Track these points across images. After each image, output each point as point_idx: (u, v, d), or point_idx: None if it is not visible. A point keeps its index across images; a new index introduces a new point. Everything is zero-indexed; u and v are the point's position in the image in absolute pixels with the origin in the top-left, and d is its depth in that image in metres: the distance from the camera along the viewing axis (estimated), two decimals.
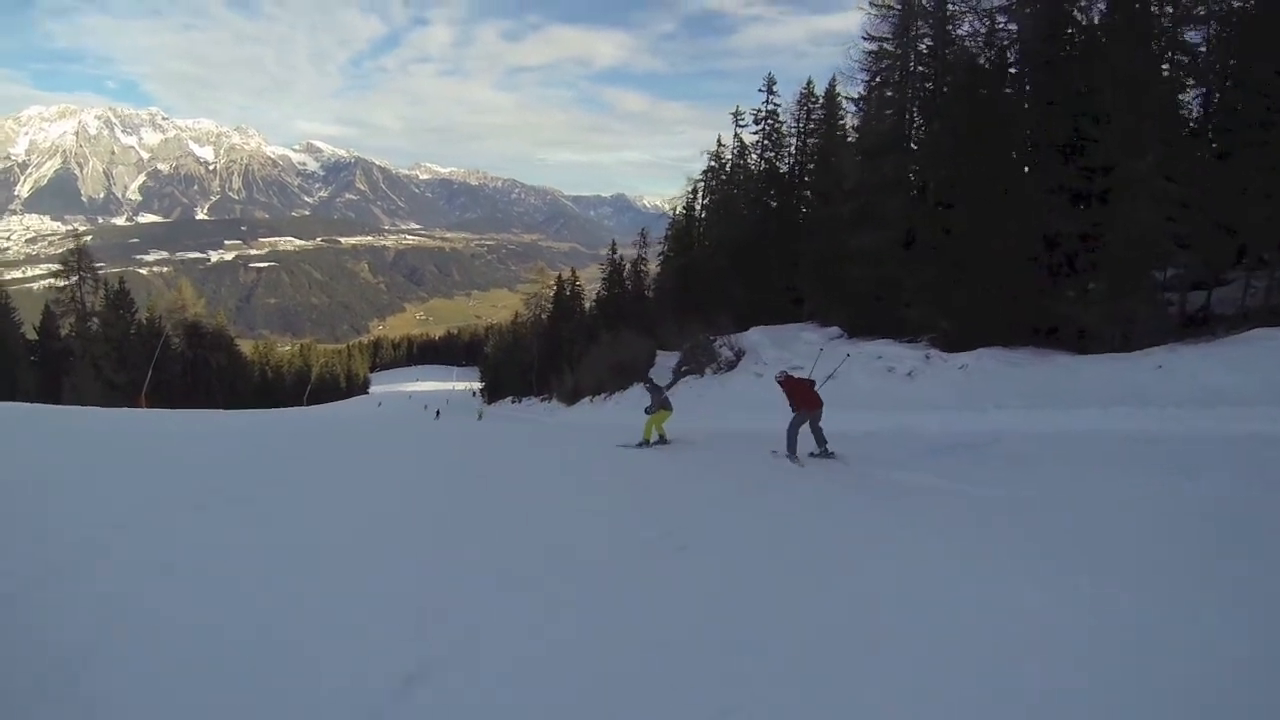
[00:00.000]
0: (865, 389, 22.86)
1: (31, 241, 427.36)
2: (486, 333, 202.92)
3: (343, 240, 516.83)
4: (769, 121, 49.05)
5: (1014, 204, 22.69)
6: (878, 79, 32.72)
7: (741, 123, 50.55)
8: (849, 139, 39.89)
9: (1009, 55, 26.43)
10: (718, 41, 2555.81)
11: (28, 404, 35.29)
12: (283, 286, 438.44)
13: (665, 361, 41.59)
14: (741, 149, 51.46)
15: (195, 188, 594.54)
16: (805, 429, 14.90)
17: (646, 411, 18.55)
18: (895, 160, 29.62)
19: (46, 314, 64.11)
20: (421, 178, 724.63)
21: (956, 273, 23.58)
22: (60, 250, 64.77)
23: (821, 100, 46.17)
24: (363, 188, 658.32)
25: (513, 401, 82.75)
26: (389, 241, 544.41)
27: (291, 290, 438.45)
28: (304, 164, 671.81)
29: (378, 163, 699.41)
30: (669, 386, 30.51)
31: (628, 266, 69.46)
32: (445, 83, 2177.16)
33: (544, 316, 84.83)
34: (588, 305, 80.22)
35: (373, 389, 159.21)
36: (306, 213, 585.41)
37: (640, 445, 18.13)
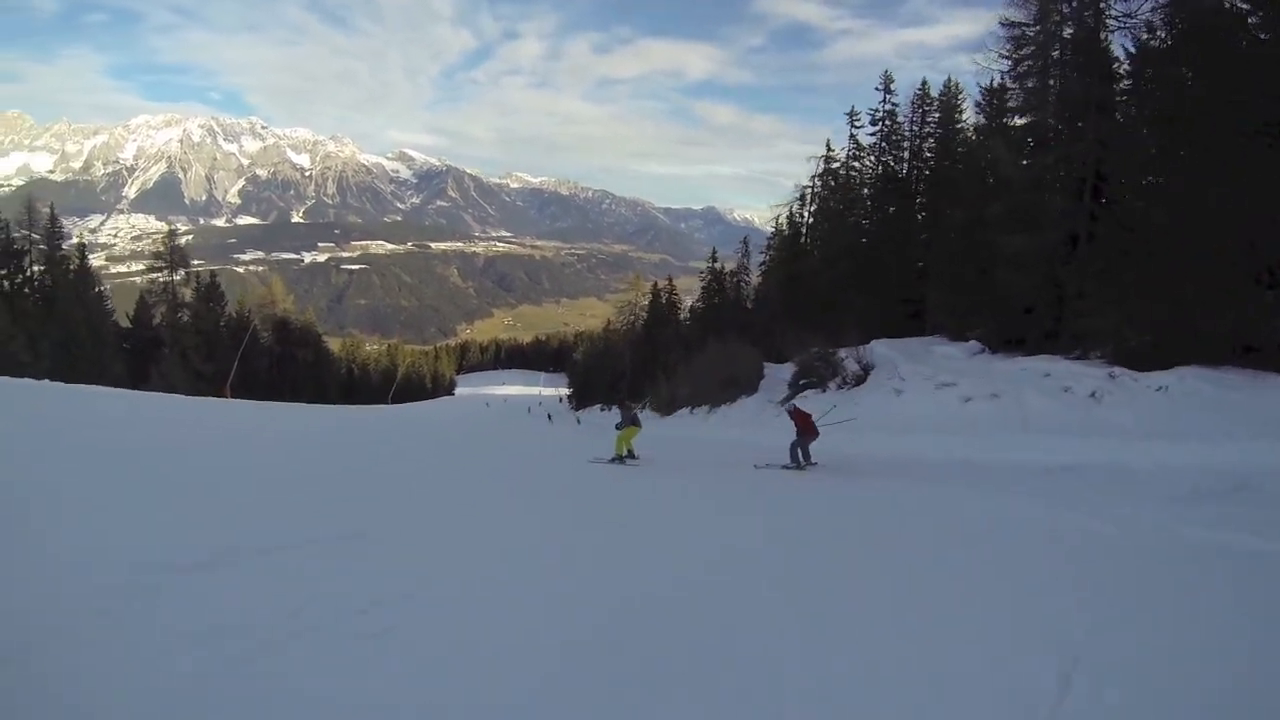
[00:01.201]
0: (1038, 411, 19.70)
1: (136, 239, 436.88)
2: (575, 339, 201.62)
3: (433, 245, 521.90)
4: (886, 122, 46.12)
5: (1236, 195, 18.82)
6: (1022, 67, 29.35)
7: (857, 123, 47.66)
8: (980, 136, 36.27)
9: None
10: (806, 55, 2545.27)
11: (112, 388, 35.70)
12: (373, 288, 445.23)
13: (776, 374, 38.95)
14: (856, 150, 48.40)
15: (291, 193, 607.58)
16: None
17: (616, 428, 19.17)
18: (1059, 153, 26.19)
19: (140, 304, 63.85)
20: (512, 186, 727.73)
21: (1153, 279, 20.01)
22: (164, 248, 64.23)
23: (937, 102, 43.81)
24: (454, 195, 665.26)
25: (602, 409, 79.95)
26: (479, 248, 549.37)
27: (381, 292, 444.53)
28: (396, 171, 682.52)
29: (469, 171, 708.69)
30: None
31: (729, 276, 66.92)
32: (536, 94, 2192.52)
33: (638, 325, 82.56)
34: (683, 315, 78.16)
35: (458, 391, 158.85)
36: (398, 218, 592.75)
37: (612, 461, 18.71)
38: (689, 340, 63.51)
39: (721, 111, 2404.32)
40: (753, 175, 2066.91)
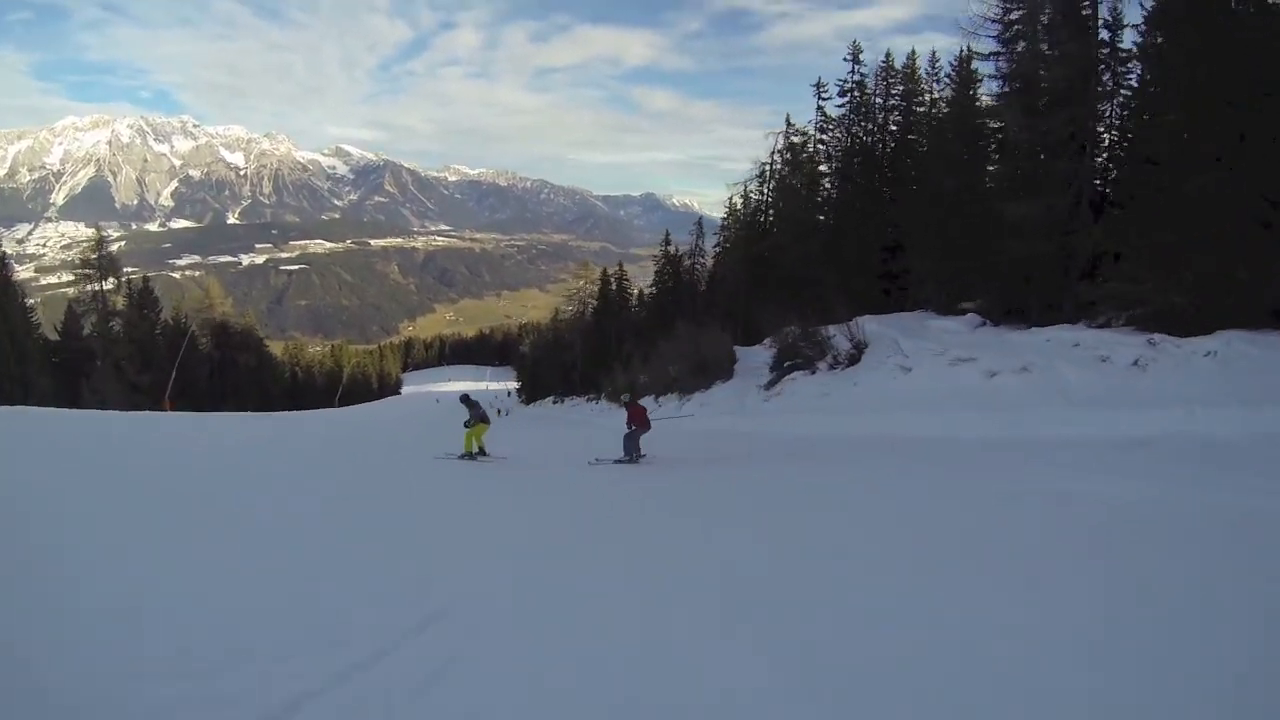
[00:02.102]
0: (1075, 384, 17.89)
1: (66, 248, 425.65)
2: (520, 331, 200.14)
3: (373, 242, 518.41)
4: (855, 93, 44.26)
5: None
6: (1010, 32, 27.61)
7: (825, 95, 45.80)
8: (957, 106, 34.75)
9: None
10: (745, 39, 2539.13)
11: (36, 409, 32.89)
12: (313, 289, 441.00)
13: (749, 357, 37.42)
14: (824, 122, 46.61)
15: (226, 193, 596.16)
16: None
17: (465, 425, 19.24)
18: (1064, 116, 24.31)
19: (68, 314, 60.72)
20: (451, 179, 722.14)
21: (1194, 241, 18.21)
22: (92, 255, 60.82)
23: (900, 74, 42.84)
24: (392, 190, 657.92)
25: (554, 401, 78.61)
26: (419, 243, 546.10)
27: (322, 292, 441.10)
28: (333, 168, 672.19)
29: (407, 165, 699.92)
30: (771, 385, 30.32)
31: (686, 260, 65.40)
32: (474, 85, 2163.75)
33: (587, 313, 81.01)
34: (633, 303, 77.26)
35: (405, 389, 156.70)
36: (336, 216, 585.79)
37: (462, 457, 18.99)
38: (641, 327, 63.13)
39: (660, 97, 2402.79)
40: (692, 161, 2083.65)
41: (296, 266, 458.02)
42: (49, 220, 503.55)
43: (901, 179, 40.24)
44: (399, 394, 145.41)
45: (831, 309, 32.15)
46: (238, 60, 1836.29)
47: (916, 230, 32.96)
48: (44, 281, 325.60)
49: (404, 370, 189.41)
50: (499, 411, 78.82)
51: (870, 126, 44.04)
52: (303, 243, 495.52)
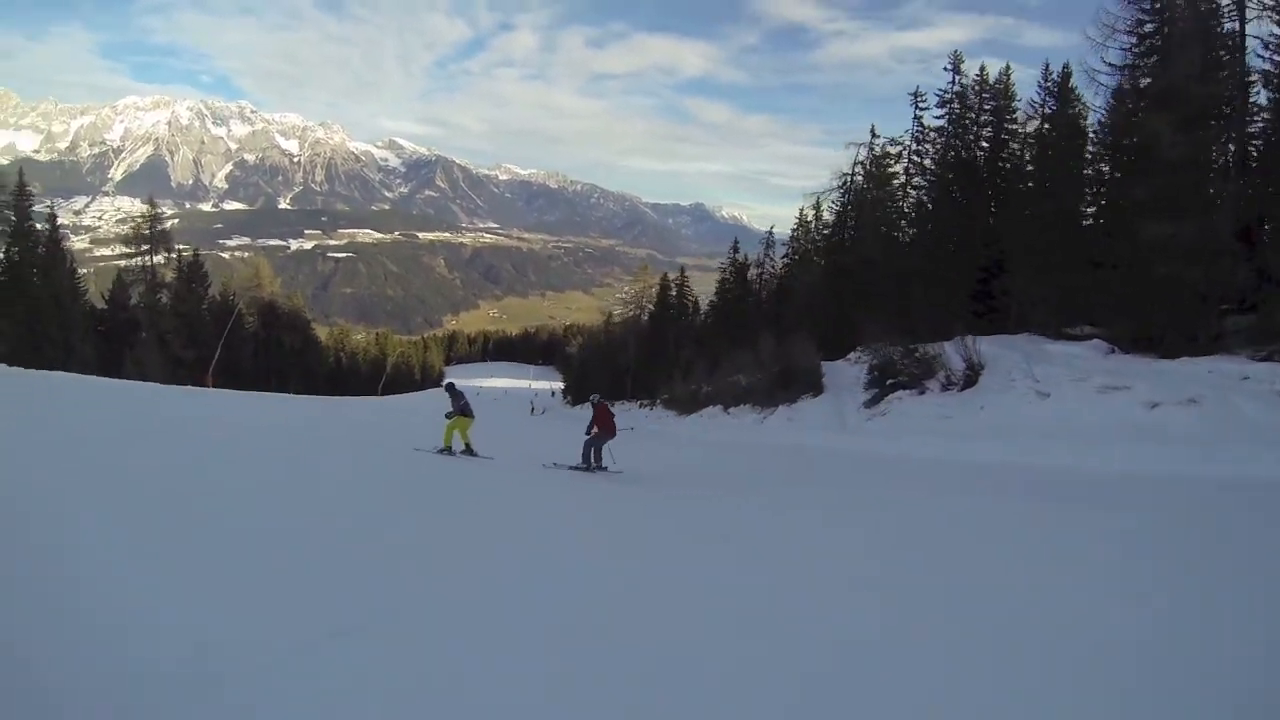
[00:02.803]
0: (1263, 424, 15.45)
1: (121, 222, 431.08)
2: (566, 332, 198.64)
3: (420, 235, 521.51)
4: (955, 105, 41.35)
5: None
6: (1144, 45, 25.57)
7: (922, 104, 43.17)
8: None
9: None
10: (800, 56, 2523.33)
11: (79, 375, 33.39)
12: (359, 277, 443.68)
13: (837, 372, 35.22)
14: (921, 133, 43.95)
15: (279, 178, 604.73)
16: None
17: (446, 417, 18.09)
18: (1219, 131, 22.15)
19: (116, 283, 59.67)
20: (501, 178, 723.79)
21: None
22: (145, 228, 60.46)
23: (993, 88, 40.24)
24: (443, 185, 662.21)
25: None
26: (466, 239, 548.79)
27: (368, 281, 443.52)
28: (386, 160, 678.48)
29: (458, 162, 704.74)
30: (872, 402, 28.71)
31: (753, 270, 63.29)
32: (528, 87, 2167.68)
33: (643, 317, 79.30)
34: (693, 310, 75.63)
35: (446, 383, 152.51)
36: (386, 207, 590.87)
37: (441, 451, 17.86)
38: (701, 335, 62.49)
39: (713, 109, 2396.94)
40: (742, 174, 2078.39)
41: (344, 254, 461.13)
42: (106, 194, 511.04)
43: (1001, 196, 38.05)
44: (440, 387, 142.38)
45: (923, 327, 30.75)
46: (298, 50, 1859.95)
47: (1018, 250, 30.99)
48: (97, 253, 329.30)
49: (446, 364, 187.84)
50: (532, 410, 77.83)
51: (968, 139, 41.28)
52: (351, 231, 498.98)
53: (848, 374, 33.85)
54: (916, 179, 44.19)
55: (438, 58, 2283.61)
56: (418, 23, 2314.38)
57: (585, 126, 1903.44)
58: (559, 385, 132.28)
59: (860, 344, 34.88)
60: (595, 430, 17.01)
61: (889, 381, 29.76)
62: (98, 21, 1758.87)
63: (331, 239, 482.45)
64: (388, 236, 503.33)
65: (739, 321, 55.83)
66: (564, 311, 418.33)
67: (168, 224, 62.59)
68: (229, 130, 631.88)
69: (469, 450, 17.87)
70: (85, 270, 56.60)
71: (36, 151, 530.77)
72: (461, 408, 17.82)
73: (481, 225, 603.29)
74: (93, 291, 60.17)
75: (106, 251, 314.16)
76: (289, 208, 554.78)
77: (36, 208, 51.56)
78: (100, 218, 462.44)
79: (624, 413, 63.45)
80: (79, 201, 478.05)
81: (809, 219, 54.86)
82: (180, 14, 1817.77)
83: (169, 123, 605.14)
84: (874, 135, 46.96)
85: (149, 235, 59.27)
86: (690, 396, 50.08)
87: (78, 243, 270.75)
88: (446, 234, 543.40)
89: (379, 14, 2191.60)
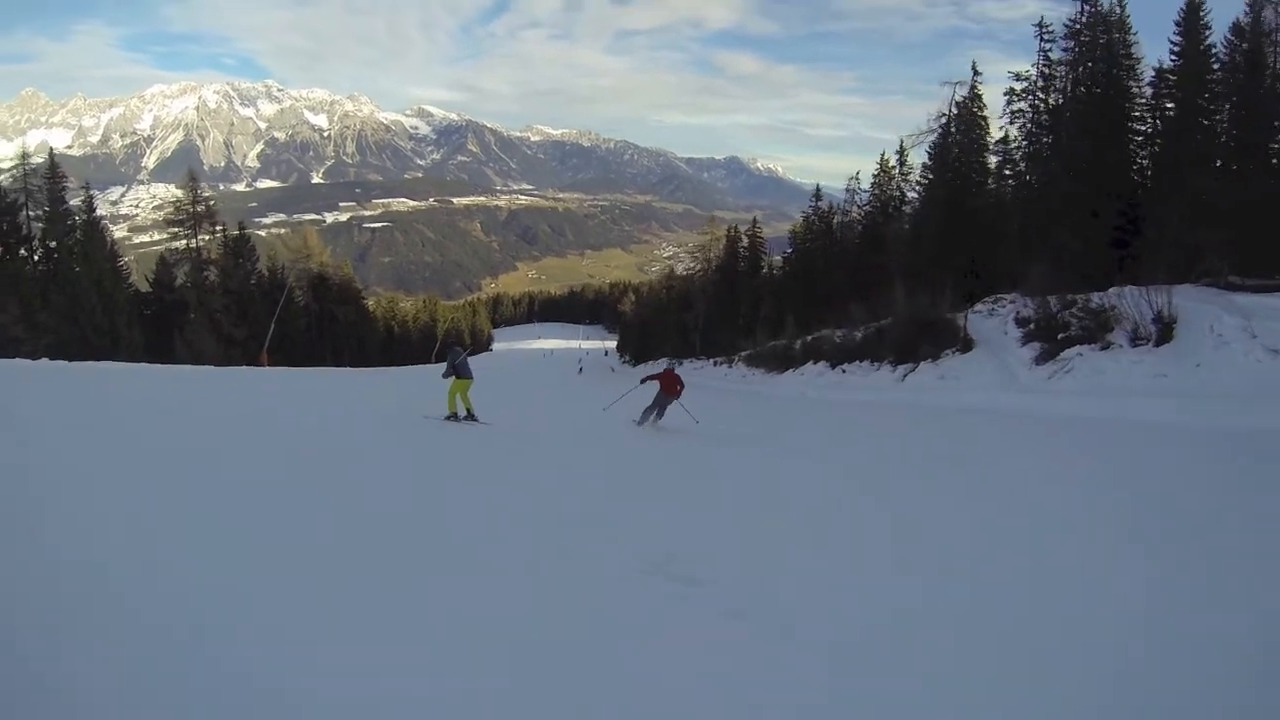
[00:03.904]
0: None
1: (158, 208, 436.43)
2: (613, 290, 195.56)
3: (455, 201, 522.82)
4: (1085, 35, 36.91)
5: None
6: None
7: (1048, 35, 38.60)
8: None
9: None
10: (829, 2, 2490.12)
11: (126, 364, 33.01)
12: (396, 245, 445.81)
13: (977, 325, 31.92)
14: (1047, 67, 39.29)
15: (310, 154, 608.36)
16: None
17: (443, 377, 17.22)
18: None
19: (160, 264, 57.19)
20: (533, 139, 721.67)
21: None
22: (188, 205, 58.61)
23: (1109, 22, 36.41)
24: (474, 150, 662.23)
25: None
26: (501, 202, 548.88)
27: (405, 249, 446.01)
28: (416, 128, 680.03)
29: (489, 125, 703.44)
30: (1044, 359, 26.25)
31: (837, 217, 58.80)
32: (555, 47, 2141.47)
33: (709, 272, 75.75)
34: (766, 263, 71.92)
35: (496, 346, 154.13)
36: (419, 175, 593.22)
37: (448, 419, 16.48)
38: (779, 289, 60.76)
39: (743, 61, 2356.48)
40: (775, 125, 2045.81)
41: (380, 224, 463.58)
42: (140, 183, 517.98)
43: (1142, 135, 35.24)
44: (490, 350, 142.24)
45: (1069, 275, 28.96)
46: (320, 25, 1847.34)
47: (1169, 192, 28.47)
48: (136, 240, 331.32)
49: (494, 326, 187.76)
50: (612, 370, 75.39)
51: (1099, 72, 36.73)
52: (386, 201, 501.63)
53: (983, 326, 31.46)
54: (1044, 116, 39.55)
55: (462, 22, 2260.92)
56: None
57: (615, 84, 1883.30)
58: (611, 344, 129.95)
59: (989, 294, 33.92)
60: (658, 388, 17.80)
61: (1060, 336, 26.82)
62: (118, 16, 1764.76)
63: (366, 210, 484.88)
64: (423, 204, 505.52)
65: (826, 273, 53.20)
66: (603, 270, 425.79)
67: (199, 188, 59.04)
68: (257, 110, 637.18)
69: (470, 415, 16.61)
70: (127, 258, 54.12)
71: (69, 147, 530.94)
72: (457, 367, 16.56)
73: (516, 187, 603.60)
74: (135, 277, 58.12)
75: (145, 238, 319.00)
76: (322, 182, 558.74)
77: (74, 201, 49.65)
78: (137, 205, 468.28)
79: (696, 370, 61.41)
80: (115, 192, 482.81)
81: (891, 165, 52.28)
82: (197, 0, 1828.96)
83: (197, 108, 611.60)
84: (976, 72, 43.45)
85: (191, 214, 57.16)
86: (782, 353, 47.61)
87: (116, 231, 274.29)
88: (481, 198, 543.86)
89: None
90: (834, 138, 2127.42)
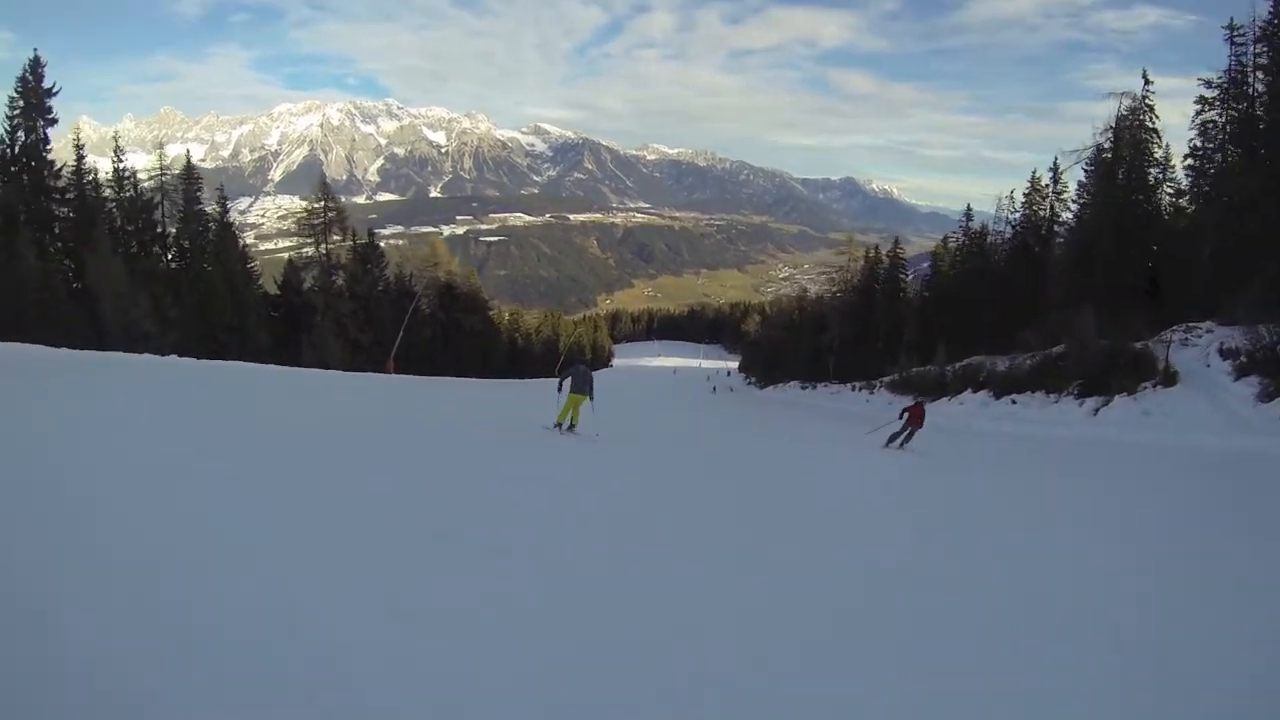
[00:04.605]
0: None
1: (282, 218, 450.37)
2: (733, 309, 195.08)
3: (571, 217, 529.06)
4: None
5: None
6: None
7: (1239, 38, 35.87)
8: None
9: None
10: (943, 18, 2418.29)
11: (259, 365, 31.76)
12: (512, 259, 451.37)
13: (1175, 356, 29.15)
14: (1240, 75, 36.41)
15: (429, 169, 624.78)
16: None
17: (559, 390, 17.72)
18: None
19: (288, 268, 57.23)
20: (649, 158, 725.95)
21: None
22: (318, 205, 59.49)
23: None
24: (591, 168, 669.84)
25: (802, 387, 72.00)
26: (618, 219, 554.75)
27: (520, 263, 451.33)
28: (532, 145, 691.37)
29: (605, 144, 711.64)
30: (1275, 393, 23.60)
31: (990, 238, 56.21)
32: (669, 66, 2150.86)
33: (847, 293, 72.33)
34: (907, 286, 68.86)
35: (616, 362, 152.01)
36: (535, 191, 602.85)
37: (556, 427, 17.06)
38: (926, 312, 57.75)
39: (857, 80, 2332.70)
40: (890, 145, 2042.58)
41: (496, 238, 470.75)
42: (267, 194, 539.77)
43: None
44: (610, 366, 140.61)
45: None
46: (439, 47, 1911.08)
47: None
48: (262, 247, 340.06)
49: (614, 343, 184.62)
50: (714, 390, 74.95)
51: None
52: (502, 215, 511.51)
53: (1180, 358, 28.80)
54: (1234, 126, 36.65)
55: (577, 43, 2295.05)
56: (554, 11, 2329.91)
57: (729, 103, 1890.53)
58: (732, 364, 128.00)
59: (1175, 322, 31.03)
60: (907, 421, 21.83)
61: None
62: (251, 39, 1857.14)
63: (483, 224, 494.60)
64: (538, 219, 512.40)
65: (979, 297, 50.51)
66: (718, 289, 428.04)
67: (329, 192, 60.16)
68: (378, 127, 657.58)
69: (571, 426, 17.10)
70: (253, 264, 53.19)
71: (202, 160, 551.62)
72: (584, 383, 16.91)
73: (632, 205, 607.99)
74: (264, 280, 57.10)
75: (270, 245, 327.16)
76: (439, 196, 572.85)
77: (208, 207, 49.89)
78: (263, 215, 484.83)
79: (832, 395, 58.99)
80: (243, 202, 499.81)
81: (1044, 184, 50.14)
82: (323, 25, 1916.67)
83: (321, 124, 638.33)
84: (1147, 80, 41.06)
85: (322, 219, 57.46)
86: (934, 380, 44.97)
87: (242, 239, 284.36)
88: (597, 214, 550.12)
89: (515, 6, 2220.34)
90: (950, 158, 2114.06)
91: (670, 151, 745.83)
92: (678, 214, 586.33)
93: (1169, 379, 27.96)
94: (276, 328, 50.90)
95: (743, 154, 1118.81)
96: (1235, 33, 35.94)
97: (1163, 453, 21.31)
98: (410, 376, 44.89)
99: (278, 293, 55.74)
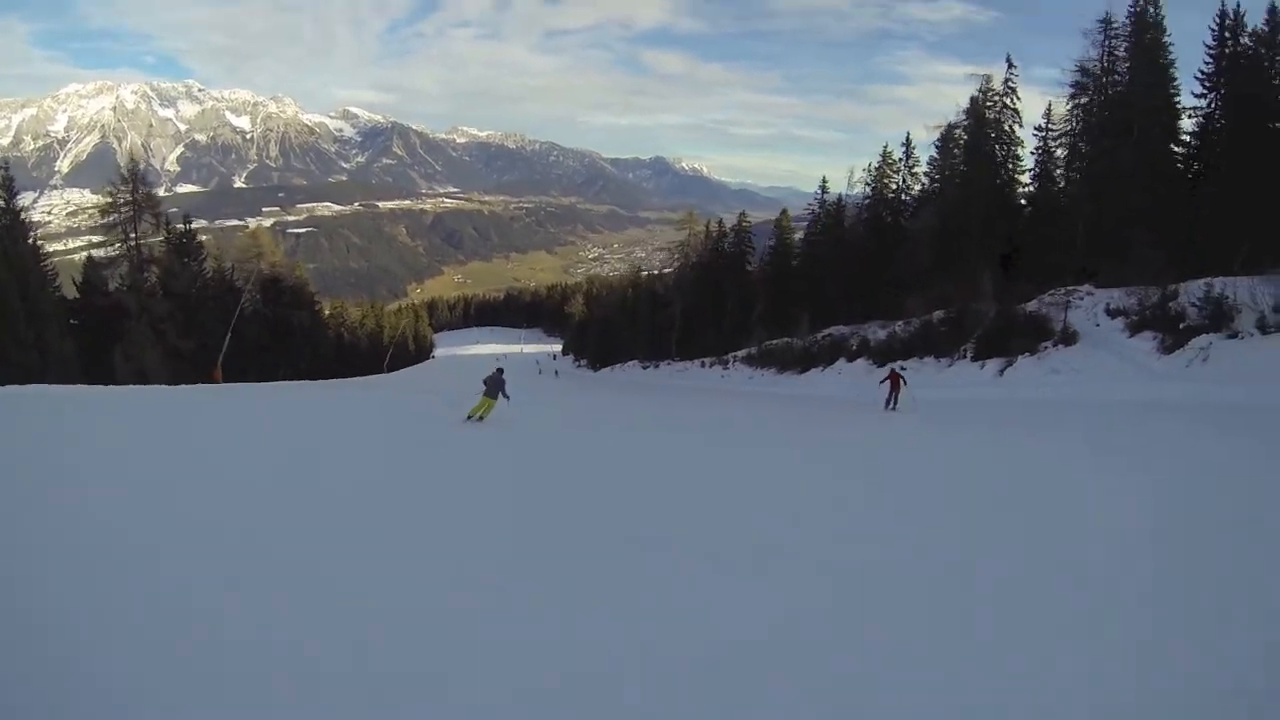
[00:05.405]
0: None
1: (72, 215, 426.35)
2: (550, 292, 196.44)
3: (380, 205, 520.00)
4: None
5: None
6: None
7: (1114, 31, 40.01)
8: None
9: None
10: (760, 2, 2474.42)
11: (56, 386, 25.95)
12: (321, 251, 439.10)
13: (1084, 319, 31.39)
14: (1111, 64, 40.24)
15: (233, 157, 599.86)
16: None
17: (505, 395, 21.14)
18: None
19: (89, 264, 50.57)
20: (459, 141, 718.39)
21: None
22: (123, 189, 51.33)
23: None
24: (400, 153, 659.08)
25: (644, 366, 71.16)
26: (427, 205, 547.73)
27: (330, 255, 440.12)
28: (341, 130, 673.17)
29: (415, 127, 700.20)
30: (1174, 348, 26.89)
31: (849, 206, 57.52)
32: (484, 46, 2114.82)
33: (686, 269, 72.62)
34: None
35: (437, 352, 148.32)
36: (344, 178, 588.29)
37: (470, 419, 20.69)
38: (777, 287, 58.66)
39: (671, 60, 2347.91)
40: (701, 124, 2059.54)
41: (305, 230, 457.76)
42: (54, 188, 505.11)
43: None
44: (433, 357, 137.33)
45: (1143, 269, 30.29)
46: (244, 23, 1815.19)
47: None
48: (50, 249, 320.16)
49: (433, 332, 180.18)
50: (539, 371, 74.41)
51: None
52: (310, 205, 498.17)
53: (1091, 322, 31.13)
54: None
55: (389, 22, 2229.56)
56: None
57: (543, 84, 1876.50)
58: (555, 348, 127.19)
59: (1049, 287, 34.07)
60: (889, 387, 26.05)
61: (1182, 326, 27.60)
62: (33, 10, 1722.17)
63: (290, 215, 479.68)
64: (348, 208, 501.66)
65: (835, 268, 51.91)
66: (528, 272, 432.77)
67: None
68: (177, 111, 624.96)
69: (482, 419, 20.75)
70: (46, 263, 46.79)
71: None
72: (488, 390, 20.91)
73: (441, 190, 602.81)
74: (59, 285, 49.36)
75: (60, 246, 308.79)
76: (245, 186, 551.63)
77: None
78: (50, 212, 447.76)
79: (680, 374, 58.14)
80: (26, 197, 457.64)
81: (895, 159, 53.40)
82: None
83: (114, 108, 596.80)
84: (1011, 65, 45.38)
85: (131, 203, 50.30)
86: (800, 352, 46.21)
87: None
88: (407, 201, 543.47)
89: None
90: (761, 136, 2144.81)
91: (480, 134, 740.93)
92: (487, 198, 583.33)
93: (1069, 338, 29.95)
94: (81, 338, 43.83)
95: (553, 135, 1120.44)
96: (1109, 27, 39.59)
97: (1087, 407, 23.15)
98: (246, 385, 40.23)
99: (77, 296, 48.69)
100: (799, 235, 62.91)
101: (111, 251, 50.98)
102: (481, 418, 20.54)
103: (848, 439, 20.78)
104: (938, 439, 18.88)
